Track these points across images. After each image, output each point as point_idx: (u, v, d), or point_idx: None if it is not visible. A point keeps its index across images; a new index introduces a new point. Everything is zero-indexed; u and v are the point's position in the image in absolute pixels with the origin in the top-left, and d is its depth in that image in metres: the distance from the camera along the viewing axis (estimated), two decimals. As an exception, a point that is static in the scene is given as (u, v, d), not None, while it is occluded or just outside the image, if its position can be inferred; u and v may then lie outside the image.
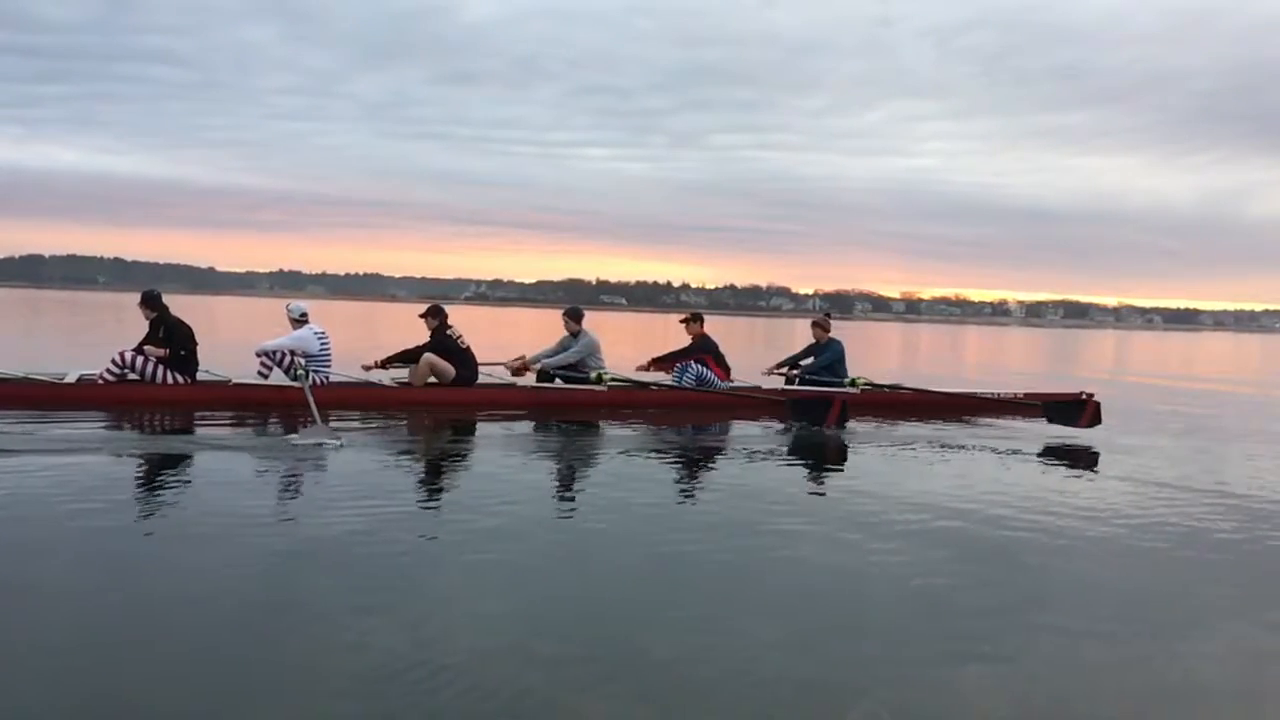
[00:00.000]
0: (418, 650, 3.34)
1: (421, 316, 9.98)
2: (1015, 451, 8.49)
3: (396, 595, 3.94)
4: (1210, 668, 3.54)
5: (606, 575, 4.41)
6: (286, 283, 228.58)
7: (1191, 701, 3.27)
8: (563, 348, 10.63)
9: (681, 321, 11.13)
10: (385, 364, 9.75)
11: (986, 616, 3.95)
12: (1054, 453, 8.56)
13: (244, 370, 9.62)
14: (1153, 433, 10.27)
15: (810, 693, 3.16)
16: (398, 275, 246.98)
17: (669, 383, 10.54)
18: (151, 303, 9.38)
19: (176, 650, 3.31)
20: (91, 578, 4.06)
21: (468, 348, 9.97)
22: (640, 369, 10.89)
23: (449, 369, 9.73)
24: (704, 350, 10.70)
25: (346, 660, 3.26)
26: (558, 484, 6.56)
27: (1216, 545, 5.28)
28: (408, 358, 9.76)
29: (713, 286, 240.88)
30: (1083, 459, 8.30)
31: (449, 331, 9.87)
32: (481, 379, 10.14)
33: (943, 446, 8.65)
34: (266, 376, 9.36)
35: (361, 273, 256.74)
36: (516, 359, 10.56)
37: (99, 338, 22.10)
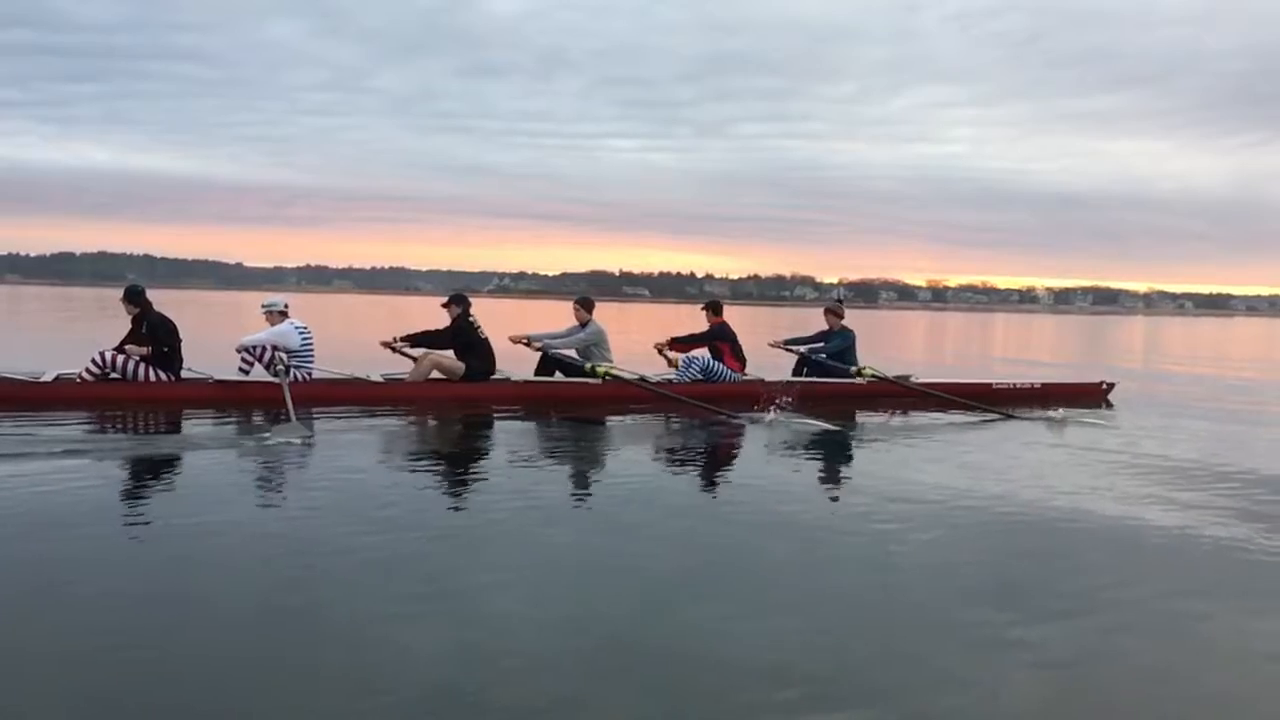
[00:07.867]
0: (443, 644, 3.29)
1: (444, 305, 9.76)
2: (1028, 444, 8.03)
3: (391, 593, 3.76)
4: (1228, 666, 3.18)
5: (623, 570, 4.24)
6: (314, 277, 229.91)
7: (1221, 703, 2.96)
8: (569, 334, 10.38)
9: (702, 309, 11.06)
10: (405, 340, 9.54)
11: (1013, 610, 3.77)
12: (1071, 445, 8.07)
13: (228, 367, 9.32)
14: (1177, 423, 9.79)
15: (834, 684, 3.06)
16: (424, 269, 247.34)
17: (670, 378, 10.17)
18: (134, 298, 9.12)
19: (184, 657, 3.10)
20: (81, 582, 3.82)
21: (486, 339, 9.70)
22: (658, 346, 10.78)
23: (458, 367, 9.46)
24: (720, 337, 10.57)
25: (358, 657, 3.14)
26: (561, 481, 6.28)
27: (1244, 540, 4.86)
28: (430, 341, 9.56)
29: (736, 276, 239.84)
30: (1106, 450, 7.81)
31: (470, 319, 9.60)
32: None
33: (954, 438, 8.25)
34: (248, 373, 9.07)
35: (387, 266, 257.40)
36: (519, 336, 10.18)
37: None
